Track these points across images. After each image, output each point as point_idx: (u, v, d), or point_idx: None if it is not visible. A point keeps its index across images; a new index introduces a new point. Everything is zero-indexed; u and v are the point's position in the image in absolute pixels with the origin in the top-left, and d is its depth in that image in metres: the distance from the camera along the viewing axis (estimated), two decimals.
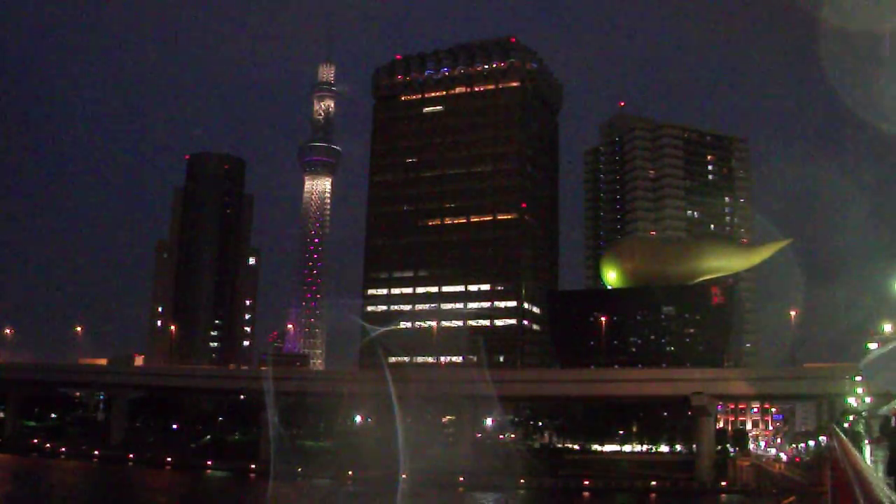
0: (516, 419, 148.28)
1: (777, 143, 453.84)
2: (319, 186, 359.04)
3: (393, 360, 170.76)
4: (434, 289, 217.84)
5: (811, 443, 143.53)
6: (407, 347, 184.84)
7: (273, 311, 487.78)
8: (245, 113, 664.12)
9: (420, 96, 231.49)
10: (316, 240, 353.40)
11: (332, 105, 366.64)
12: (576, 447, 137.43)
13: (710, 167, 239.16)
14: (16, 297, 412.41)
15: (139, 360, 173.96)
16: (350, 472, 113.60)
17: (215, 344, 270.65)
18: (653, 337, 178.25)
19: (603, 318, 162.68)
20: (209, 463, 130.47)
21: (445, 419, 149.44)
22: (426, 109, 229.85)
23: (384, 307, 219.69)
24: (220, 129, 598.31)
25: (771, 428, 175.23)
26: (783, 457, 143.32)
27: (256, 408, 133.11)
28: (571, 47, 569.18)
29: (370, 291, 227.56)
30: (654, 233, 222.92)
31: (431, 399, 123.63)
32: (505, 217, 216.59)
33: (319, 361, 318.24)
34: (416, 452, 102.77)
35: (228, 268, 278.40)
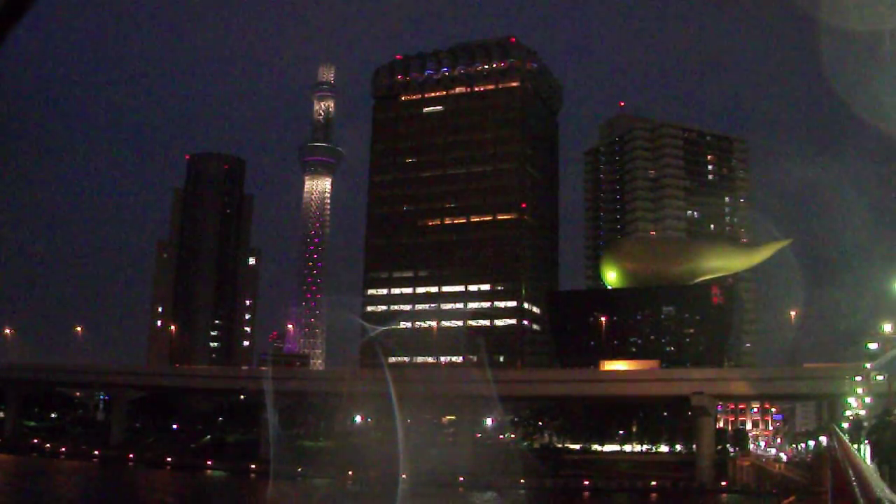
0: (516, 419, 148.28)
1: (777, 143, 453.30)
2: (319, 186, 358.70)
3: (393, 360, 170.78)
4: (434, 289, 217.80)
5: (811, 443, 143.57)
6: (407, 347, 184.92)
7: (273, 311, 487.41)
8: (245, 113, 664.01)
9: (420, 96, 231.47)
10: (316, 240, 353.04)
11: (332, 105, 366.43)
12: (576, 447, 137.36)
13: (710, 167, 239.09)
14: (16, 297, 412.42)
15: None
16: (350, 472, 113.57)
17: (215, 344, 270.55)
18: (653, 337, 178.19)
19: (603, 318, 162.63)
20: (209, 463, 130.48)
21: (445, 419, 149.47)
22: (426, 109, 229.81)
23: (384, 307, 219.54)
24: (220, 129, 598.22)
25: (771, 428, 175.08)
26: (783, 457, 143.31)
27: (256, 408, 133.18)
28: (571, 47, 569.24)
29: (370, 291, 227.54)
30: (654, 233, 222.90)
31: (431, 399, 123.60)
32: (505, 217, 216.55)
33: (319, 361, 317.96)
34: (416, 452, 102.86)
35: (228, 268, 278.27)
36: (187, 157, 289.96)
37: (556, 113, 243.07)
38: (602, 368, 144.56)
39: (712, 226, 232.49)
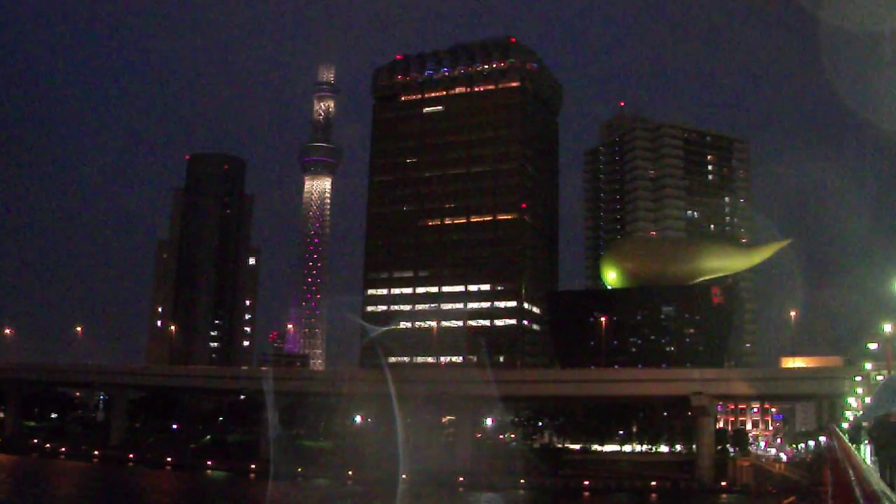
0: (516, 419, 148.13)
1: (777, 143, 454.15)
2: (319, 186, 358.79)
3: (393, 360, 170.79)
4: (434, 289, 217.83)
5: (811, 443, 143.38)
6: (407, 347, 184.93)
7: (273, 311, 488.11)
8: (245, 113, 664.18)
9: (420, 96, 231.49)
10: (316, 240, 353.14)
11: (332, 105, 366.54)
12: (576, 447, 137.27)
13: (710, 167, 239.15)
14: (16, 297, 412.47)
15: None
16: (350, 472, 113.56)
17: (215, 344, 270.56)
18: (653, 337, 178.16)
19: (603, 318, 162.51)
20: (209, 463, 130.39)
21: (445, 419, 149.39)
22: (426, 109, 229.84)
23: (384, 307, 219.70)
24: (220, 129, 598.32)
25: (771, 428, 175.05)
26: (783, 457, 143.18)
27: (256, 408, 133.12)
28: (571, 47, 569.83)
29: (370, 291, 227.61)
30: (654, 233, 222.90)
31: (431, 399, 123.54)
32: (505, 217, 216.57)
33: (319, 361, 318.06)
34: (416, 452, 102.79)
35: (228, 268, 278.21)
36: (187, 157, 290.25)
37: (556, 113, 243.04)
38: (783, 366, 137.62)
39: (712, 226, 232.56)
